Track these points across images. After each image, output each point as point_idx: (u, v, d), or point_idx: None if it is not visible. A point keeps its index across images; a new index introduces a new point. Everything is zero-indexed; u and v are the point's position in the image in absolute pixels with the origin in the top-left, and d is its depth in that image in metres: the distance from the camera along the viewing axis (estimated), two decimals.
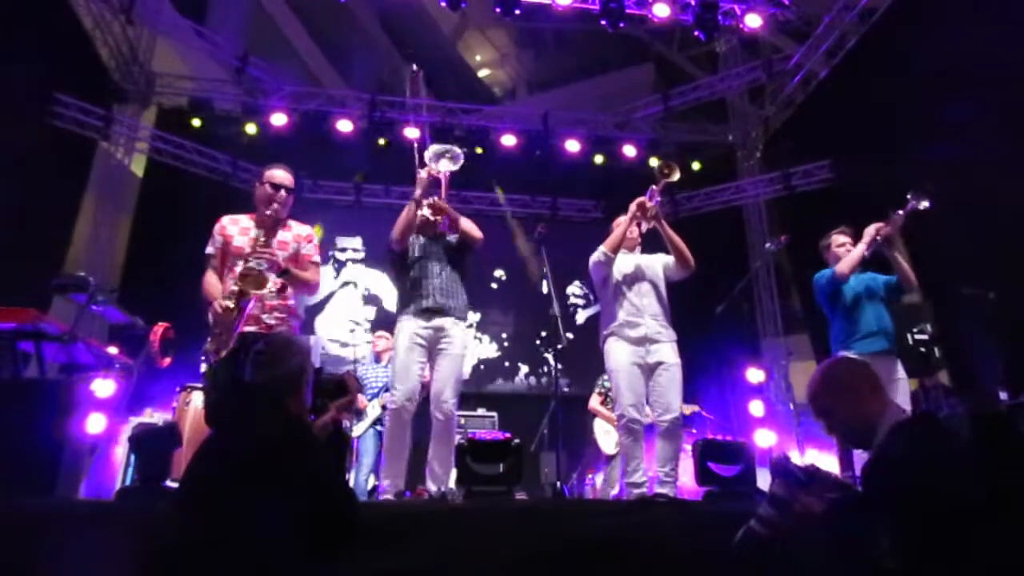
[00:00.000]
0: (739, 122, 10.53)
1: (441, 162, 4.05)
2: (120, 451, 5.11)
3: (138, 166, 9.24)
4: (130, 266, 8.56)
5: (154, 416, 5.31)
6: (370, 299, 9.84)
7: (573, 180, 10.26)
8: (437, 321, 3.90)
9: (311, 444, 2.33)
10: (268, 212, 3.52)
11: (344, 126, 9.29)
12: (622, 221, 4.21)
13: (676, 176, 4.11)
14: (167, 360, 4.46)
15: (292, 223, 3.75)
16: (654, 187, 4.13)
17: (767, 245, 6.93)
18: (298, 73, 12.14)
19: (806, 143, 9.25)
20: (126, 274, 8.46)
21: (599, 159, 9.95)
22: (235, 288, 3.27)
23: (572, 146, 9.78)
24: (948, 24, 6.41)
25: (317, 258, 3.78)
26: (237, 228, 3.62)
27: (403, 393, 3.74)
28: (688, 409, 6.50)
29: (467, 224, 4.14)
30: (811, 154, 9.24)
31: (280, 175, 3.66)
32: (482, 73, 17.53)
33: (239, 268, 3.34)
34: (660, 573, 2.50)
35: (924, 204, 4.24)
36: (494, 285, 10.07)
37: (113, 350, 4.55)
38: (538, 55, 16.25)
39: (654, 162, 9.98)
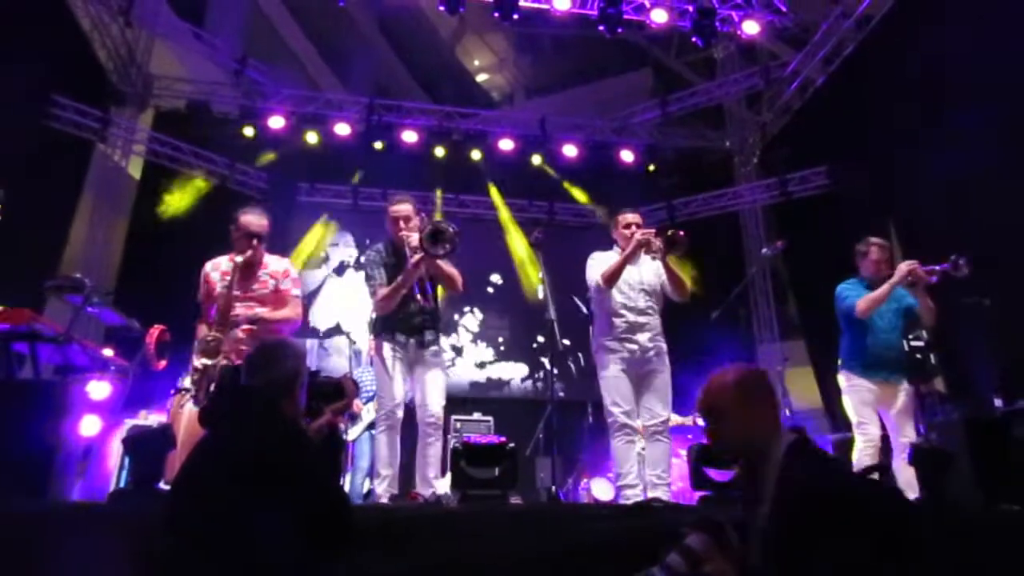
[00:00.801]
0: (736, 128, 10.57)
1: (436, 249, 3.79)
2: (114, 453, 5.09)
3: (135, 168, 9.23)
4: (126, 268, 8.55)
5: (148, 418, 5.29)
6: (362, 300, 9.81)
7: (570, 185, 10.30)
8: (417, 349, 3.92)
9: (305, 446, 2.33)
10: (241, 259, 3.73)
11: (342, 129, 9.30)
12: (628, 218, 4.18)
13: (679, 252, 4.04)
14: (163, 363, 4.44)
15: (268, 259, 3.91)
16: (660, 241, 4.01)
17: (764, 250, 6.95)
18: (296, 76, 12.14)
19: (803, 149, 9.29)
20: (122, 276, 8.44)
21: (597, 164, 9.98)
22: (198, 364, 3.55)
23: (570, 151, 9.80)
24: (945, 31, 6.44)
25: (296, 291, 3.95)
26: (218, 274, 3.82)
27: (389, 401, 3.78)
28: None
29: (450, 275, 4.00)
30: (808, 160, 9.28)
31: (254, 223, 3.81)
32: (480, 78, 17.55)
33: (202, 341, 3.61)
34: None
35: (963, 272, 4.23)
36: (490, 289, 10.06)
37: (108, 352, 4.54)
38: (536, 60, 16.27)
39: (652, 167, 10.06)
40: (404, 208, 4.02)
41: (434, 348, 3.96)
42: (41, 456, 3.13)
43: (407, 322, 3.92)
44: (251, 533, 1.89)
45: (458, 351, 9.73)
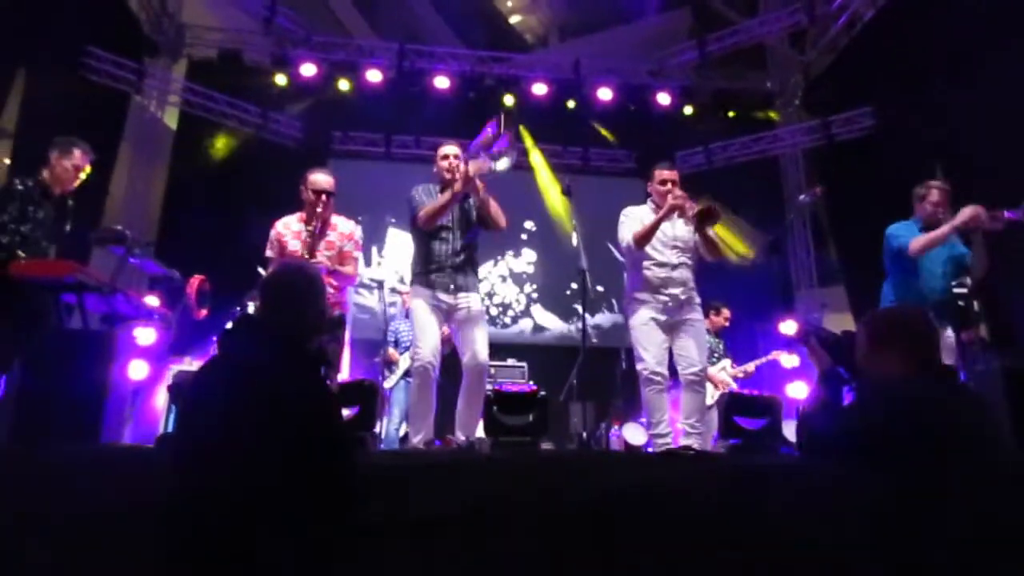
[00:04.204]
0: (778, 68, 10.19)
1: (500, 162, 3.85)
2: (161, 399, 5.30)
3: (171, 119, 9.32)
4: (166, 218, 8.73)
5: (193, 364, 5.48)
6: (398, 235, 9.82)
7: (605, 129, 10.12)
8: (454, 297, 3.91)
9: (328, 393, 2.27)
10: (314, 220, 3.96)
11: (373, 76, 9.22)
12: (664, 175, 4.12)
13: (712, 225, 3.98)
14: (203, 311, 4.57)
15: (337, 221, 4.11)
16: (694, 211, 3.96)
17: (801, 197, 6.78)
18: (327, 23, 11.98)
19: (848, 90, 8.92)
20: (162, 226, 8.63)
21: (632, 108, 9.77)
22: None
23: (604, 94, 9.59)
24: None
25: (358, 254, 4.20)
26: (290, 232, 4.04)
27: (427, 351, 3.75)
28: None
29: (495, 210, 4.03)
30: (853, 101, 8.92)
31: (321, 180, 4.01)
32: (513, 19, 17.12)
33: None
34: (685, 521, 2.54)
35: None
36: (524, 236, 10.04)
37: (153, 300, 4.66)
38: (571, 0, 15.78)
39: (688, 110, 9.79)
40: (453, 149, 4.12)
41: (473, 295, 3.97)
42: (92, 401, 3.28)
43: (445, 267, 3.91)
44: (248, 463, 1.82)
45: (490, 297, 9.77)
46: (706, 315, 5.71)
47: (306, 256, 3.89)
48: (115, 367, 3.57)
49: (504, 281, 9.97)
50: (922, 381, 2.27)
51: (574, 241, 4.28)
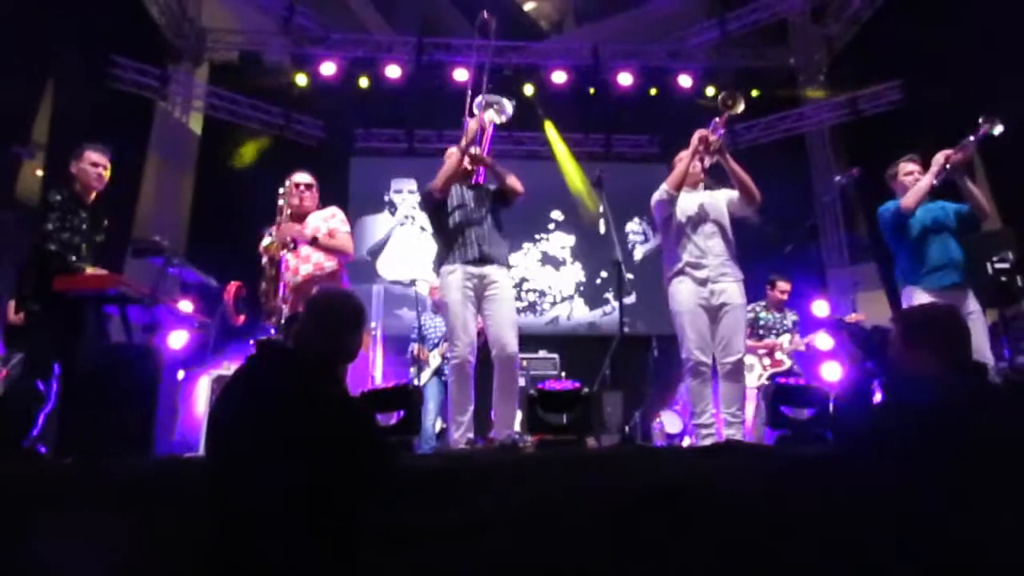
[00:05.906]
0: (801, 44, 10.00)
1: (488, 112, 3.98)
2: (201, 404, 5.37)
3: (196, 124, 9.39)
4: (195, 224, 8.81)
5: (231, 368, 5.54)
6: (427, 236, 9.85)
7: (627, 115, 10.01)
8: (483, 269, 3.87)
9: (360, 413, 2.26)
10: (292, 207, 4.21)
11: (392, 72, 9.21)
12: (684, 156, 4.09)
13: (740, 108, 3.94)
14: (242, 317, 4.62)
15: (316, 212, 4.27)
16: (716, 120, 3.98)
17: (837, 178, 6.65)
18: (343, 19, 11.98)
19: (874, 64, 8.73)
20: (192, 232, 8.71)
21: (653, 92, 9.65)
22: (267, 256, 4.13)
23: (624, 79, 9.48)
24: None
25: (346, 228, 4.23)
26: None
27: (464, 347, 3.75)
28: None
29: (511, 179, 4.05)
30: (879, 76, 8.73)
31: (300, 175, 4.29)
32: (528, 6, 16.97)
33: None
34: (739, 518, 2.52)
35: (998, 129, 3.95)
36: (551, 225, 10.01)
37: (187, 305, 4.69)
38: None
39: (711, 91, 9.66)
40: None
41: (502, 269, 3.93)
42: (143, 413, 3.34)
43: (468, 238, 3.89)
44: (272, 479, 1.82)
45: (519, 286, 9.75)
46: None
47: (281, 248, 4.06)
48: (163, 375, 3.64)
49: (543, 266, 9.93)
50: (956, 380, 2.26)
51: (602, 228, 4.26)
